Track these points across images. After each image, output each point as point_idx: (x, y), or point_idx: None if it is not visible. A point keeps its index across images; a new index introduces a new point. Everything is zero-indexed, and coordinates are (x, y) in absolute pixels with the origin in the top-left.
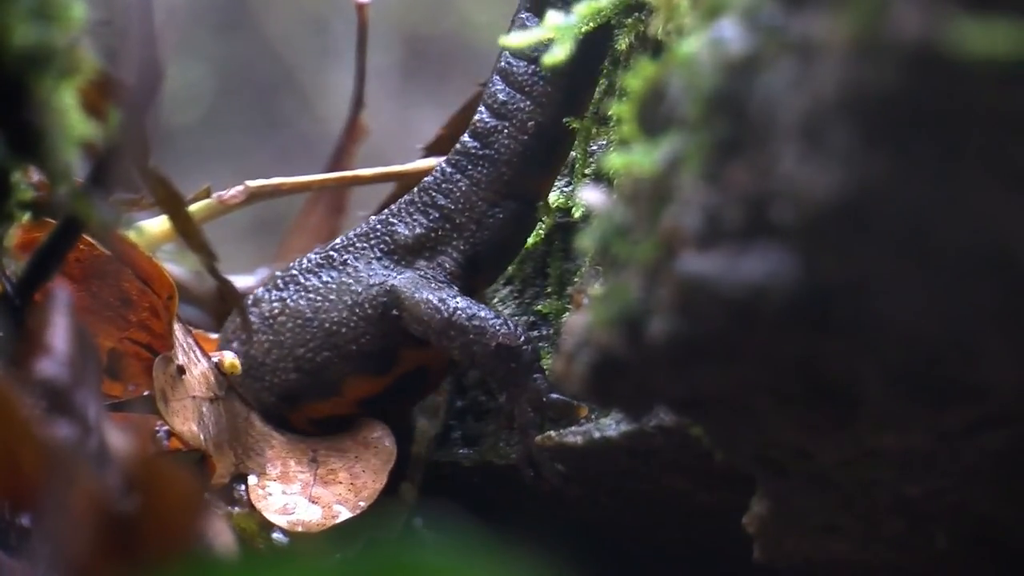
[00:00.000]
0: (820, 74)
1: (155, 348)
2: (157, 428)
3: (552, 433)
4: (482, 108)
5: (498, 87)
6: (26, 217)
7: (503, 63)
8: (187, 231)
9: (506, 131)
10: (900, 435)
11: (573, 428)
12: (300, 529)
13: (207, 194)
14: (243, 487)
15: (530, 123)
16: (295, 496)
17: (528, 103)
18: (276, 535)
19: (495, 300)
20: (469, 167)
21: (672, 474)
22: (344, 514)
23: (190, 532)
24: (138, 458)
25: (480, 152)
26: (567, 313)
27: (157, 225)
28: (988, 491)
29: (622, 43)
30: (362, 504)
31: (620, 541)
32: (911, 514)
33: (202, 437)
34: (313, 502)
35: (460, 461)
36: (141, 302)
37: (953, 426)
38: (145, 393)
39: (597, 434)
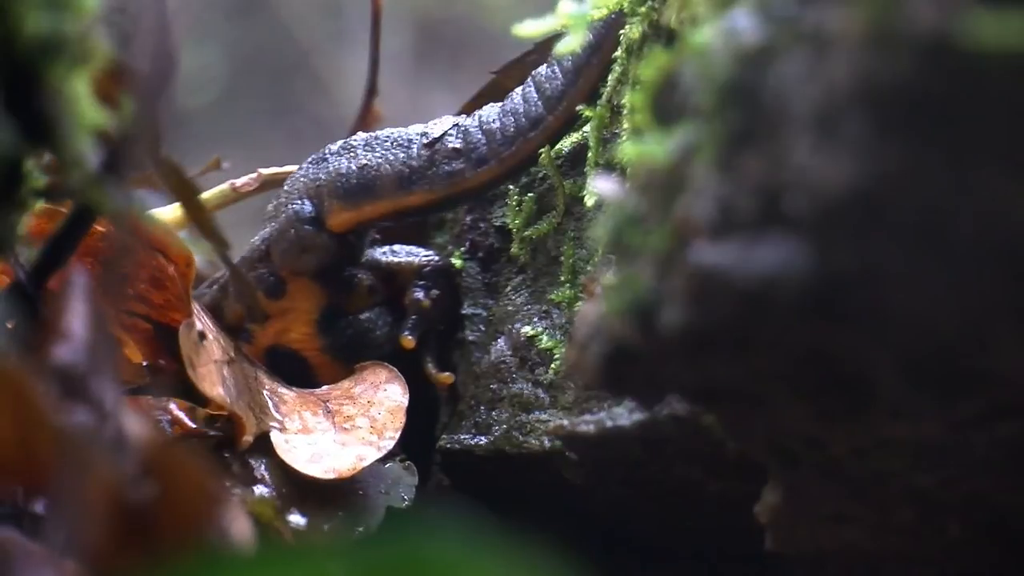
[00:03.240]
0: (834, 65)
1: (152, 318)
2: (159, 415)
3: (564, 422)
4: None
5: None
6: (39, 204)
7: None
8: (200, 219)
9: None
10: (913, 424)
11: (585, 417)
12: (333, 476)
13: (217, 165)
14: (262, 463)
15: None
16: (321, 445)
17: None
18: (293, 517)
19: (508, 288)
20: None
21: (684, 463)
22: (371, 455)
23: (206, 519)
24: (154, 445)
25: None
26: (580, 302)
27: (169, 212)
28: (1001, 481)
29: (635, 31)
30: (385, 445)
31: (631, 530)
32: (924, 503)
33: (228, 400)
34: (340, 447)
35: (472, 449)
36: (139, 275)
37: (966, 415)
38: (144, 364)
39: (610, 423)
